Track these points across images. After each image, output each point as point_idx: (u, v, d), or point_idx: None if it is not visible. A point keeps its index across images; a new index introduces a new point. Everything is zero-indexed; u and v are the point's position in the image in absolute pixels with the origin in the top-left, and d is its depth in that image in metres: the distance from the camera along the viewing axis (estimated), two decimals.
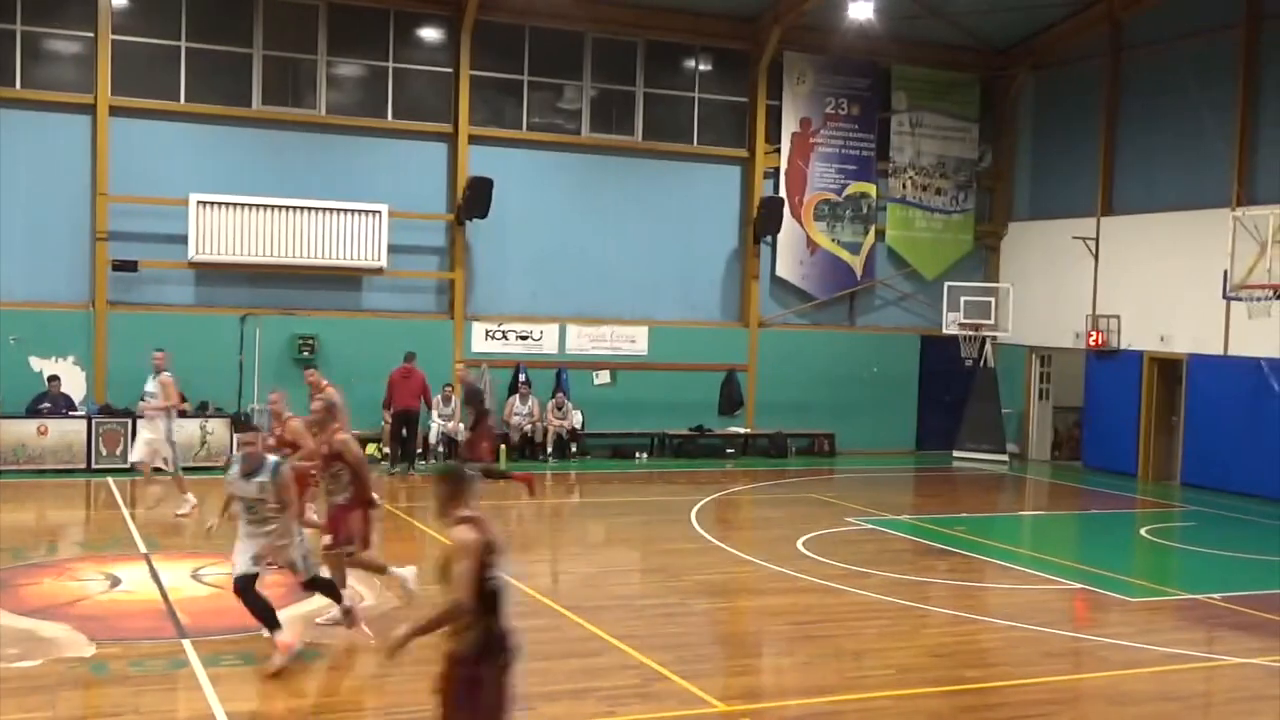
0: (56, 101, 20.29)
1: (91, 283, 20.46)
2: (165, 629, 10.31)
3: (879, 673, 9.92)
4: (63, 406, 19.54)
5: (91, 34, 20.36)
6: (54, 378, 19.73)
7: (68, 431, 19.11)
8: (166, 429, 15.84)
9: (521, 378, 22.70)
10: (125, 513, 16.08)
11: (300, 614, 10.79)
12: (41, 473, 18.68)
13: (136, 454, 16.08)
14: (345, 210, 21.48)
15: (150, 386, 15.91)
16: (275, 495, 9.25)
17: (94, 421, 19.30)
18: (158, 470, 15.93)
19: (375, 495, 10.94)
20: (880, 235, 25.64)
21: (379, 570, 11.17)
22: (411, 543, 15.14)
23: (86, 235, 20.42)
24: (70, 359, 20.11)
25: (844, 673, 9.95)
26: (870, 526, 16.67)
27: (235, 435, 10.30)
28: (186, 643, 9.84)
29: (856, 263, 25.45)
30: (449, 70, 22.64)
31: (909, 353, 25.88)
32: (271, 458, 9.54)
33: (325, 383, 15.62)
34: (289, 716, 8.37)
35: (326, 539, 10.65)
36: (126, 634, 10.07)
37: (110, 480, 18.37)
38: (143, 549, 13.55)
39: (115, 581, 12.03)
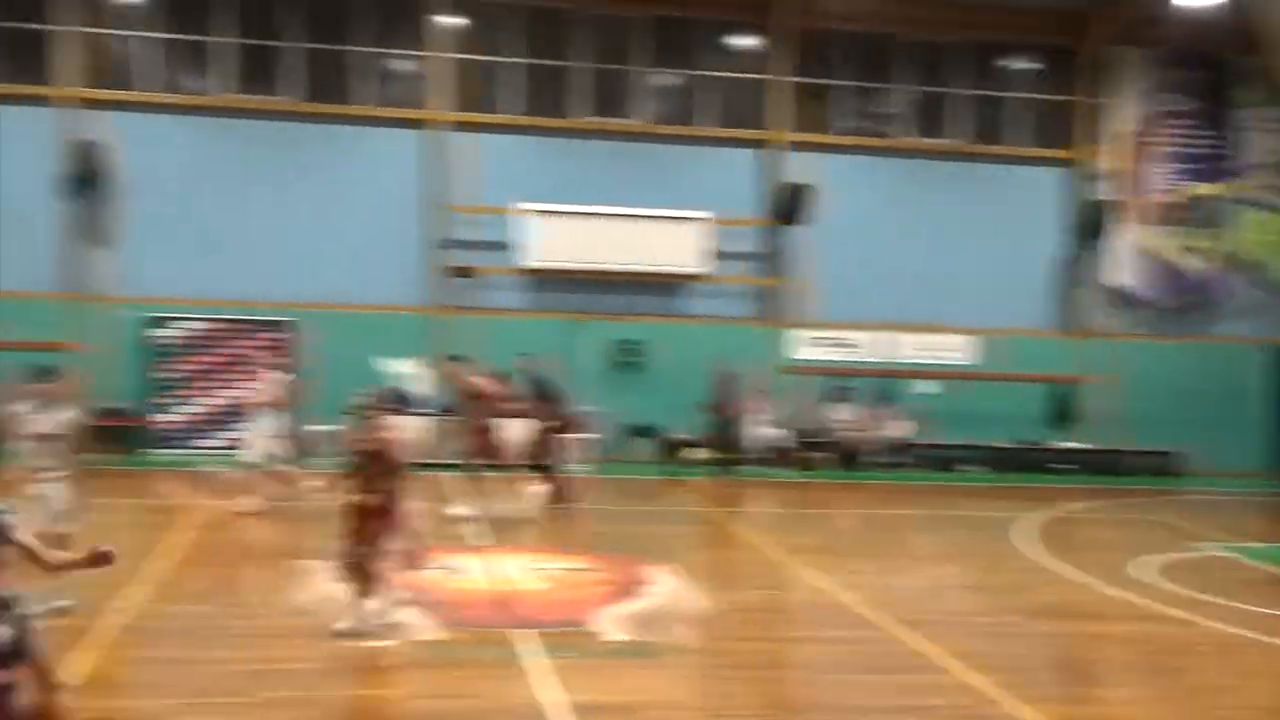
0: (402, 118, 21.63)
1: (432, 288, 21.65)
2: (505, 618, 10.69)
3: (1240, 712, 9.14)
4: (408, 405, 20.74)
5: (434, 53, 21.60)
6: (402, 376, 21.01)
7: (413, 428, 20.23)
8: (277, 425, 15.89)
9: (843, 386, 22.45)
10: (469, 506, 16.82)
11: (627, 612, 10.99)
12: None
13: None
14: (669, 218, 21.86)
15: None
16: None
17: (437, 419, 20.39)
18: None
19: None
20: (1227, 239, 23.86)
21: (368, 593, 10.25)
22: (735, 549, 15.18)
23: (428, 243, 21.63)
24: (413, 360, 21.36)
25: (1198, 709, 9.21)
26: (1223, 554, 15.46)
27: None
28: (524, 633, 10.16)
29: (1200, 268, 23.80)
30: (766, 77, 22.70)
31: (1264, 365, 23.93)
32: None
33: (473, 376, 15.94)
34: (619, 711, 8.49)
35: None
36: (470, 621, 10.50)
37: (450, 475, 19.31)
38: (484, 541, 14.16)
39: (459, 571, 12.62)
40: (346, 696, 8.55)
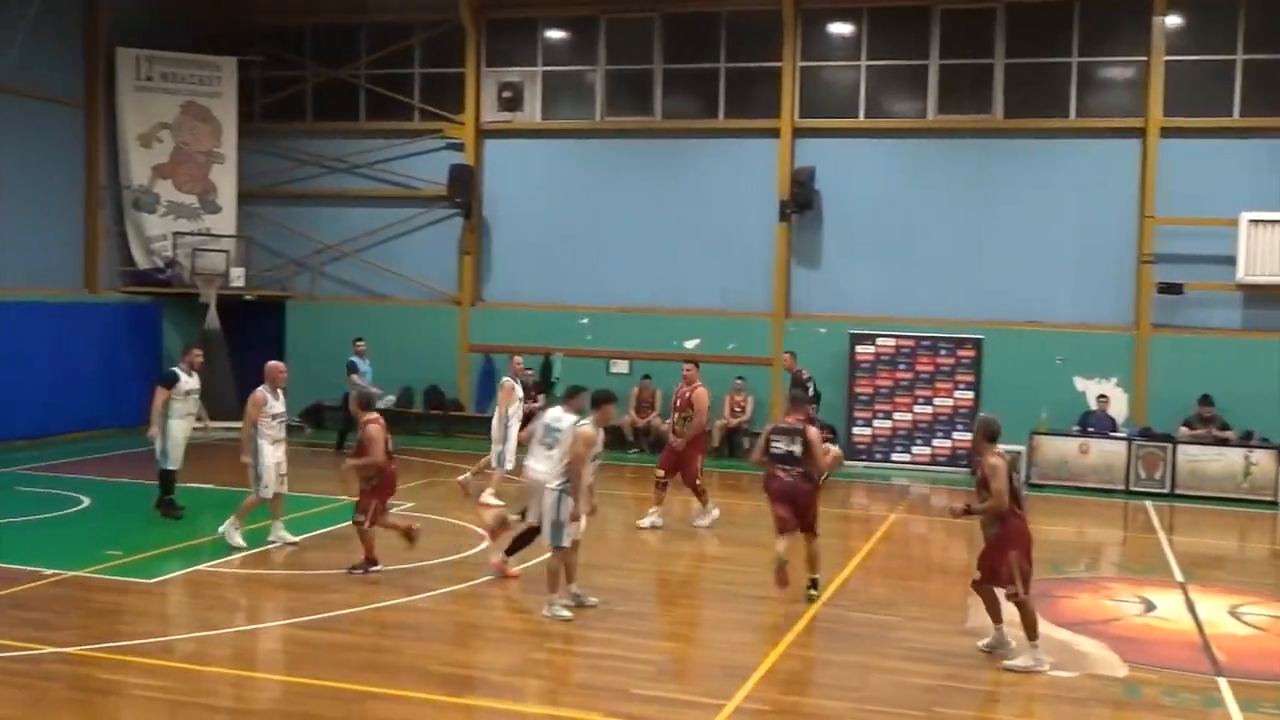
0: (1107, 128, 20.75)
1: (1136, 305, 20.55)
2: (1199, 663, 9.89)
3: None
4: (1105, 427, 19.89)
5: (1144, 58, 20.49)
6: (1102, 397, 20.19)
7: (1108, 452, 19.39)
8: None
9: None
10: (1163, 538, 15.83)
11: None
12: (1081, 490, 19.20)
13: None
14: None
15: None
16: None
17: (1133, 444, 19.34)
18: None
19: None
20: None
21: (1030, 630, 9.52)
22: None
23: (1132, 258, 20.55)
24: (1113, 380, 20.43)
25: None
26: None
27: None
28: (1222, 681, 9.33)
29: None
30: None
31: None
32: None
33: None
34: None
35: (976, 575, 9.79)
36: (1159, 661, 9.84)
37: (1148, 504, 18.27)
38: (1179, 577, 13.19)
39: (1149, 606, 11.87)
40: None
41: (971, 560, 14.11)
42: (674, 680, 8.92)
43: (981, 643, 9.84)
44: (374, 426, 12.03)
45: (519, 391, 16.87)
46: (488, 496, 16.17)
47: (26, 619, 9.96)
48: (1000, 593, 9.62)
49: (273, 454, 13.03)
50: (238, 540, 12.84)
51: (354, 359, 20.43)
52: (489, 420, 17.09)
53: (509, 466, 15.90)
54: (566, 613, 10.43)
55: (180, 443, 14.28)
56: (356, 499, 12.21)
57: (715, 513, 15.20)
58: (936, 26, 21.46)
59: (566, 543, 10.52)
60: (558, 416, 11.05)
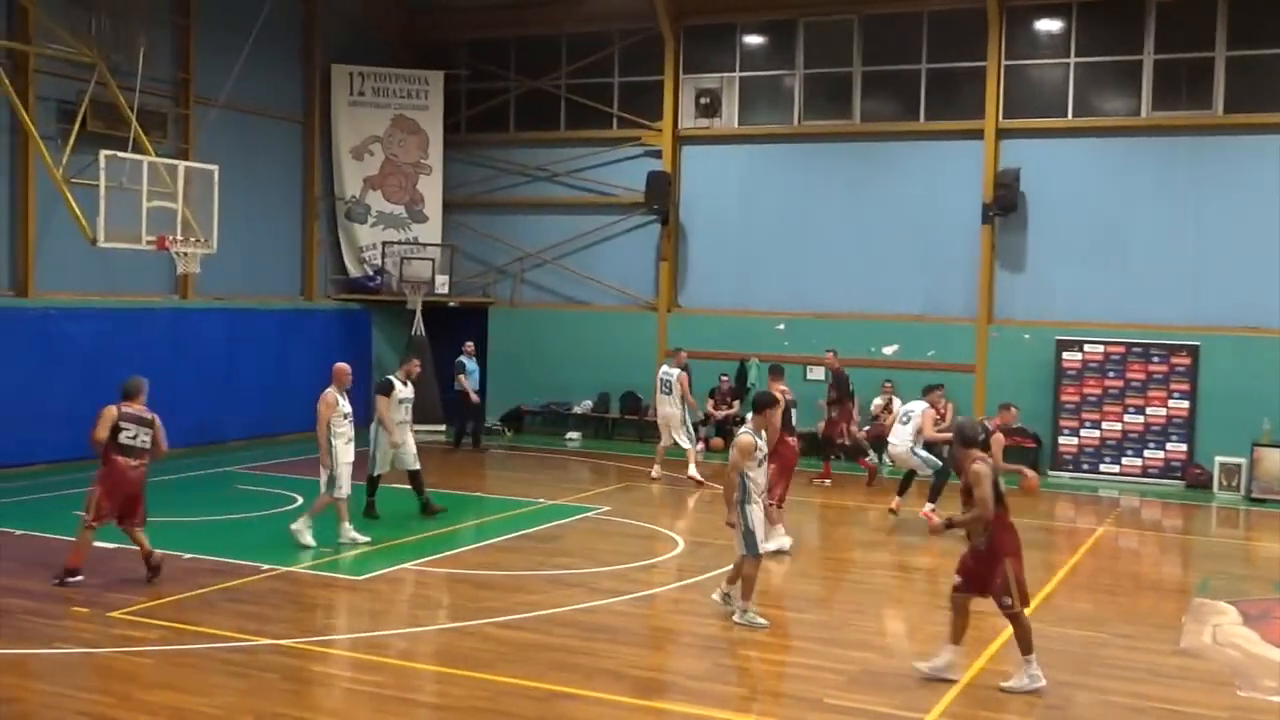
0: None
1: None
2: None
3: None
4: None
5: None
6: None
7: None
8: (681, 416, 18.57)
9: None
10: None
11: None
12: None
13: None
14: None
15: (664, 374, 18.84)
16: None
17: None
18: None
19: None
20: None
21: (1025, 645, 8.94)
22: None
23: None
24: None
25: None
26: None
27: None
28: None
29: None
30: None
31: None
32: None
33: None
34: None
35: (956, 580, 9.07)
36: None
37: None
38: None
39: None
40: None
41: (1185, 577, 13.52)
42: (869, 690, 8.77)
43: (925, 665, 9.08)
44: (109, 408, 11.10)
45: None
46: (694, 471, 18.24)
47: (244, 611, 10.47)
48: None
49: (346, 454, 13.23)
50: (308, 539, 12.95)
51: (462, 358, 21.43)
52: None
53: (699, 445, 19.43)
54: (762, 620, 10.39)
55: (386, 449, 14.77)
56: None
57: (785, 541, 13.42)
58: (1151, 20, 20.55)
59: (763, 549, 10.55)
60: (912, 406, 15.53)
